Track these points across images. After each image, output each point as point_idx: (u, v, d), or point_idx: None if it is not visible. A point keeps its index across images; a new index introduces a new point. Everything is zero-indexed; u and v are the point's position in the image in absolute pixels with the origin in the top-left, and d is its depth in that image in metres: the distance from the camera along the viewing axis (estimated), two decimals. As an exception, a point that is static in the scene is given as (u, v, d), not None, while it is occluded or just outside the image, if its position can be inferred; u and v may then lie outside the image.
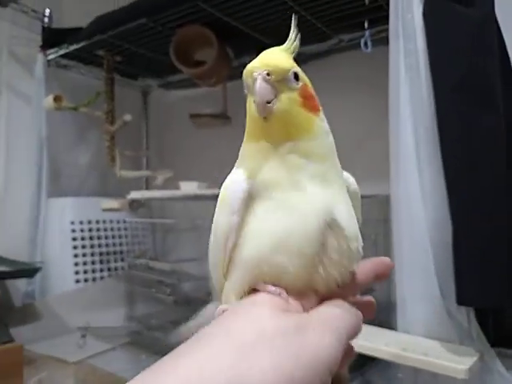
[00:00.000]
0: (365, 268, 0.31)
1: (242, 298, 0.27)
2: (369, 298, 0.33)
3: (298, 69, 0.28)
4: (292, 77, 0.28)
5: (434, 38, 0.74)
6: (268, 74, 0.26)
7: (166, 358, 0.22)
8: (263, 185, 0.27)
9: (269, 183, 0.27)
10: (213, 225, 0.30)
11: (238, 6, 1.18)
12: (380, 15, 1.15)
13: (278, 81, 0.27)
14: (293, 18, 0.30)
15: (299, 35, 0.30)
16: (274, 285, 0.26)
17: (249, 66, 0.28)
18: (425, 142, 0.76)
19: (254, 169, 0.28)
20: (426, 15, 0.77)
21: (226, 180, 0.30)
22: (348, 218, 0.28)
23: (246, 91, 0.29)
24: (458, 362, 0.67)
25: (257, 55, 0.30)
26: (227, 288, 0.29)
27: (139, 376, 0.21)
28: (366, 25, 1.05)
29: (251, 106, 0.27)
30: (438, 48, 0.73)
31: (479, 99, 0.68)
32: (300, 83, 0.28)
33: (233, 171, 0.30)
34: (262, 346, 0.22)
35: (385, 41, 1.11)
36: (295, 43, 0.30)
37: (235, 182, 0.28)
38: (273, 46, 0.32)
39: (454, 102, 0.69)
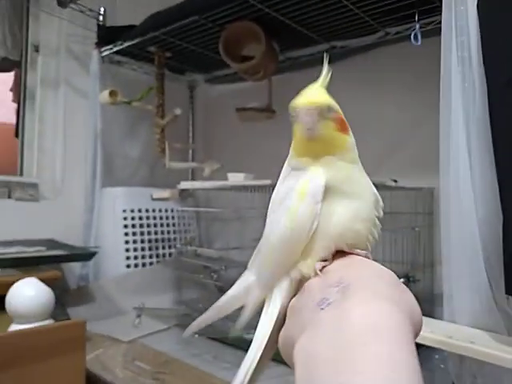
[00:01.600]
0: None
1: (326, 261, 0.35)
2: None
3: (331, 102, 0.35)
4: (327, 109, 0.35)
5: (488, 31, 0.74)
6: (310, 109, 0.34)
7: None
8: (334, 180, 0.35)
9: (336, 179, 0.35)
10: (288, 214, 0.36)
11: (285, 2, 1.21)
12: (428, 7, 1.15)
13: (318, 113, 0.34)
14: (324, 56, 0.36)
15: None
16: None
17: (295, 102, 0.35)
18: (476, 136, 0.76)
19: (326, 170, 0.36)
20: (480, 7, 0.78)
21: (304, 178, 0.36)
22: (378, 194, 0.38)
23: (293, 119, 0.35)
24: (507, 352, 0.67)
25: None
26: (307, 261, 0.35)
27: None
28: (416, 17, 1.04)
29: (297, 131, 0.35)
30: (492, 41, 0.73)
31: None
32: (333, 112, 0.35)
33: (310, 174, 0.36)
34: (396, 288, 0.29)
35: (431, 33, 1.11)
36: (327, 79, 0.37)
37: (316, 178, 0.35)
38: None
39: (508, 96, 0.70)
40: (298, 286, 0.35)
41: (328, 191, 0.35)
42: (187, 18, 1.33)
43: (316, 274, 0.33)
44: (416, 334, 0.27)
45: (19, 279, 0.96)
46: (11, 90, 1.90)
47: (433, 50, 0.86)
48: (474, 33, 0.78)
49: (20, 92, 1.70)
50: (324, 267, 0.34)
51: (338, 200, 0.35)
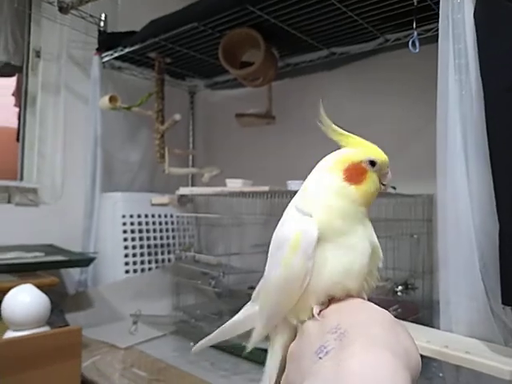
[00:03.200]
0: None
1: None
2: None
3: None
4: None
5: (485, 39, 0.74)
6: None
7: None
8: (328, 230, 0.35)
9: (331, 230, 0.35)
10: (282, 264, 0.36)
11: (285, 9, 1.21)
12: (426, 15, 1.15)
13: None
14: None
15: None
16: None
17: (383, 156, 0.37)
18: (473, 143, 0.76)
19: (325, 219, 0.36)
20: (477, 15, 0.78)
21: (295, 224, 0.36)
22: (378, 245, 0.38)
23: (371, 168, 0.37)
24: (503, 363, 0.66)
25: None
26: (304, 306, 0.36)
27: None
28: (414, 24, 1.04)
29: (373, 182, 0.37)
30: (489, 48, 0.73)
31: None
32: None
33: (302, 217, 0.36)
34: (394, 330, 0.29)
35: (430, 40, 1.11)
36: None
37: (309, 231, 0.35)
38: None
39: (505, 103, 0.69)
40: (297, 327, 0.35)
41: (322, 241, 0.34)
42: (187, 25, 1.34)
43: (313, 317, 0.33)
44: (413, 378, 0.27)
45: (16, 285, 0.96)
46: (13, 94, 1.91)
47: (432, 56, 0.86)
48: (471, 40, 0.78)
49: (21, 97, 1.71)
50: (321, 311, 0.34)
51: (331, 251, 0.35)
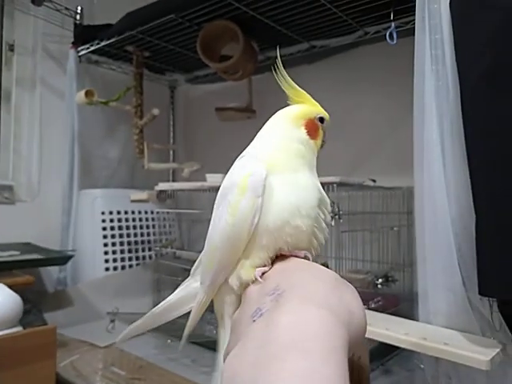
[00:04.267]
0: None
1: (265, 265, 0.33)
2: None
3: None
4: None
5: (460, 29, 0.73)
6: None
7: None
8: (277, 171, 0.35)
9: (280, 170, 0.35)
10: (229, 209, 0.34)
11: (263, 1, 1.20)
12: (405, 7, 1.14)
13: None
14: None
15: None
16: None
17: (327, 115, 0.40)
18: (449, 134, 0.76)
19: (280, 157, 0.36)
20: (452, 5, 0.77)
21: (243, 169, 0.35)
22: (326, 197, 0.38)
23: (322, 126, 0.40)
24: (480, 353, 0.66)
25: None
26: (247, 263, 0.34)
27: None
28: (391, 16, 1.04)
29: (322, 137, 0.39)
30: (463, 37, 0.73)
31: (507, 89, 0.68)
32: None
33: (251, 161, 0.36)
34: (338, 288, 0.29)
35: (409, 33, 1.10)
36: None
37: (256, 174, 0.34)
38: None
39: (480, 93, 0.69)
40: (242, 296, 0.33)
41: (270, 184, 0.34)
42: (163, 17, 1.31)
43: (255, 281, 0.32)
44: (355, 337, 0.25)
45: (-11, 285, 0.94)
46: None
47: (411, 49, 0.86)
48: (448, 31, 0.78)
49: (-5, 92, 1.66)
50: (264, 273, 0.32)
51: (279, 187, 0.34)
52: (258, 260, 0.33)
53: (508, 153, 0.67)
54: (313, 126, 0.38)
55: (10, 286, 0.99)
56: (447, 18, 0.78)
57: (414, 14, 0.85)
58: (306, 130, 0.37)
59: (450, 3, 0.77)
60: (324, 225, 0.36)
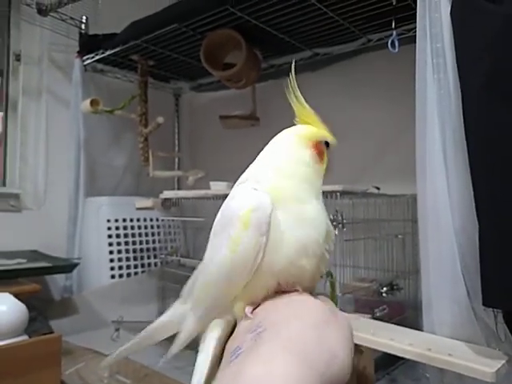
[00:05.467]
0: None
1: (259, 302, 0.32)
2: None
3: None
4: None
5: (460, 36, 0.73)
6: None
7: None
8: (284, 201, 0.32)
9: (288, 199, 0.33)
10: (228, 242, 0.32)
11: (266, 9, 1.20)
12: (408, 14, 1.15)
13: None
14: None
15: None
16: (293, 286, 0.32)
17: (335, 142, 0.37)
18: (452, 142, 0.75)
19: (285, 186, 0.33)
20: (453, 13, 0.77)
21: (245, 200, 0.32)
22: (332, 228, 0.35)
23: (327, 150, 0.37)
24: (485, 365, 0.66)
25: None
26: (242, 300, 0.32)
27: None
28: (393, 24, 1.04)
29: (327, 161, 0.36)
30: (464, 46, 0.73)
31: (508, 98, 0.67)
32: None
33: (253, 191, 0.33)
34: (325, 328, 0.27)
35: (412, 40, 1.10)
36: None
37: (261, 209, 0.31)
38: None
39: (481, 101, 0.69)
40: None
41: (276, 218, 0.31)
42: (167, 26, 1.32)
43: (245, 317, 0.30)
44: (335, 381, 0.24)
45: (-4, 293, 0.94)
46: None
47: (414, 56, 0.86)
48: (449, 40, 0.78)
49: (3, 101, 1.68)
50: (255, 309, 0.31)
51: (285, 229, 0.31)
52: (255, 299, 0.31)
53: (509, 160, 0.66)
54: (320, 149, 0.36)
55: (17, 295, 1.00)
56: (448, 27, 0.78)
57: (416, 22, 0.85)
58: (314, 153, 0.35)
59: (451, 11, 0.77)
60: (328, 256, 0.34)
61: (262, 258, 0.31)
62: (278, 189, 0.32)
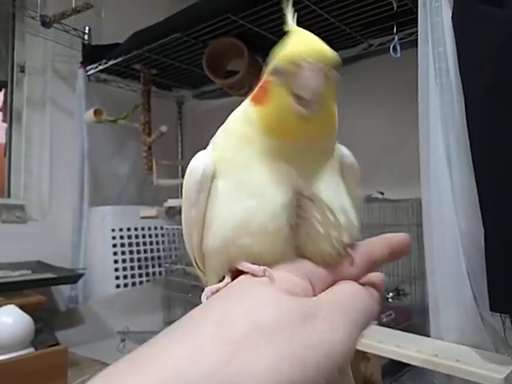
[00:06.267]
0: (376, 244, 0.28)
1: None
2: (377, 274, 0.28)
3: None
4: (335, 69, 0.24)
5: (462, 43, 0.73)
6: (320, 66, 0.23)
7: (139, 351, 0.19)
8: (227, 166, 0.26)
9: (231, 164, 0.26)
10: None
11: (266, 17, 1.21)
12: (409, 18, 1.14)
13: (326, 74, 0.23)
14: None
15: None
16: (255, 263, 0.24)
17: (296, 51, 0.23)
18: (455, 147, 0.75)
19: (223, 153, 0.27)
20: (454, 18, 0.77)
21: (191, 162, 0.28)
22: (332, 192, 0.26)
23: (279, 77, 0.24)
24: (494, 371, 0.65)
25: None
26: (208, 272, 0.28)
27: (103, 373, 0.18)
28: (394, 29, 1.04)
29: (281, 99, 0.23)
30: (466, 54, 0.73)
31: (509, 107, 0.67)
32: (334, 76, 0.25)
33: (199, 154, 0.28)
34: (258, 342, 0.19)
35: (414, 44, 1.10)
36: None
37: (193, 173, 0.27)
38: None
39: (485, 107, 0.68)
40: None
41: (217, 186, 0.26)
42: (169, 36, 1.33)
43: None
44: None
45: (1, 305, 0.94)
46: (0, 109, 1.90)
47: (416, 60, 0.85)
48: (451, 44, 0.77)
49: (7, 112, 1.69)
50: (214, 293, 0.25)
51: (222, 201, 0.26)
52: (214, 277, 0.27)
53: (510, 161, 0.66)
54: (262, 86, 0.26)
55: (22, 307, 1.00)
56: (450, 31, 0.78)
57: (417, 26, 0.85)
58: (256, 93, 0.26)
59: (452, 16, 0.77)
60: (323, 229, 0.25)
61: (198, 234, 0.27)
62: (223, 150, 0.27)
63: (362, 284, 0.25)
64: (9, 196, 1.63)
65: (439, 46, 0.80)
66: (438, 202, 0.76)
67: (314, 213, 0.25)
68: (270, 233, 0.24)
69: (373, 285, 0.27)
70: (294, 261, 0.25)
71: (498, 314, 0.70)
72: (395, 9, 1.04)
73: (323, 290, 0.24)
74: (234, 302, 0.21)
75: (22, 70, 1.67)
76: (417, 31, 1.14)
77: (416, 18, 1.13)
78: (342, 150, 0.29)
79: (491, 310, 0.65)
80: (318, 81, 0.23)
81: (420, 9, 0.83)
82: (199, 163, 0.27)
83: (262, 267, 0.23)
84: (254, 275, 0.23)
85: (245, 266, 0.24)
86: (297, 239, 0.25)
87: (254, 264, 0.24)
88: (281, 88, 0.24)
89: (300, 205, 0.25)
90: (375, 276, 0.28)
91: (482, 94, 0.67)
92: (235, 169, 0.26)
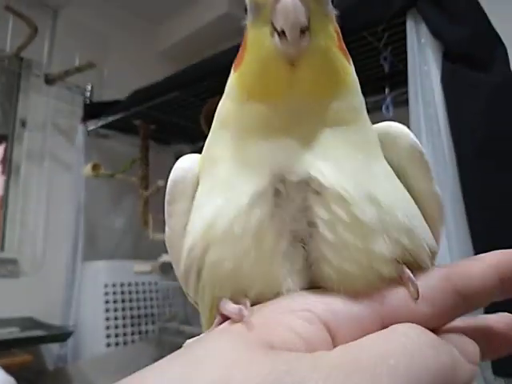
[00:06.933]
0: (471, 266, 0.17)
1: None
2: (501, 316, 0.19)
3: None
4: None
5: (453, 106, 0.75)
6: None
7: None
8: (208, 164, 0.21)
9: (209, 158, 0.21)
10: None
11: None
12: (402, 78, 1.18)
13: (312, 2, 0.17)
14: None
15: None
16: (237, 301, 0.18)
17: None
18: (450, 207, 0.75)
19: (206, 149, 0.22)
20: (443, 81, 0.80)
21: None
22: (350, 174, 0.18)
23: (250, 17, 0.19)
24: None
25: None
26: (200, 310, 0.22)
27: None
28: (386, 91, 1.07)
29: (259, 43, 0.18)
30: (457, 113, 0.75)
31: (502, 163, 0.68)
32: (332, 10, 0.19)
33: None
34: None
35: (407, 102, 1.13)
36: None
37: (173, 172, 0.23)
38: None
39: (478, 166, 0.69)
40: None
41: (199, 191, 0.21)
42: (168, 94, 1.37)
43: None
44: None
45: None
46: (1, 162, 1.91)
47: (408, 119, 0.87)
48: (441, 105, 0.80)
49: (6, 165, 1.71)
50: None
51: (197, 206, 0.21)
52: (204, 318, 0.21)
53: (504, 220, 0.66)
54: (241, 45, 0.20)
55: (7, 367, 0.96)
56: (440, 93, 0.81)
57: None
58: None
59: (442, 79, 0.80)
60: (334, 234, 0.17)
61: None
62: (205, 148, 0.22)
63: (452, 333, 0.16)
64: (2, 249, 1.61)
65: (430, 107, 0.82)
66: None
67: (315, 209, 0.17)
68: (240, 238, 0.17)
69: (476, 336, 0.17)
70: (306, 293, 0.17)
71: (502, 378, 0.67)
72: (386, 71, 1.08)
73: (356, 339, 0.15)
74: (182, 371, 0.15)
75: (23, 124, 1.70)
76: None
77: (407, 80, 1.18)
78: (393, 126, 0.21)
79: (494, 373, 0.62)
80: (298, 7, 0.17)
81: (410, 72, 0.86)
82: (179, 167, 0.23)
83: (240, 306, 0.17)
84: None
85: (222, 305, 0.18)
86: (310, 258, 0.17)
87: (241, 300, 0.17)
88: (257, 29, 0.18)
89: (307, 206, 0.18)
90: (484, 321, 0.18)
91: (474, 153, 0.68)
92: (211, 163, 0.21)
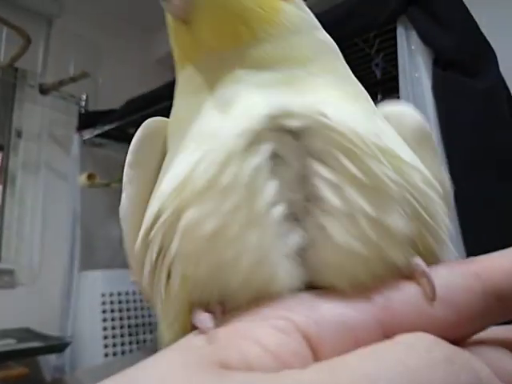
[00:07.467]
0: (499, 261, 0.14)
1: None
2: None
3: None
4: None
5: (443, 111, 0.75)
6: None
7: None
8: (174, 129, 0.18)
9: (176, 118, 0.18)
10: None
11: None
12: (394, 84, 1.19)
13: None
14: None
15: None
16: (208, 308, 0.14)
17: None
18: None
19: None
20: (434, 88, 0.80)
21: None
22: (354, 122, 0.14)
23: None
24: None
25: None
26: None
27: None
28: (379, 97, 1.07)
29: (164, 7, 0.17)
30: (448, 120, 0.75)
31: (495, 172, 0.68)
32: None
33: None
34: None
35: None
36: None
37: (139, 130, 0.20)
38: None
39: (468, 174, 0.69)
40: None
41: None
42: (164, 103, 1.37)
43: None
44: None
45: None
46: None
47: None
48: (433, 112, 0.80)
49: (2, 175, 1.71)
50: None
51: (167, 167, 0.17)
52: (172, 319, 0.16)
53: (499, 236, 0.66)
54: None
55: (4, 380, 0.95)
56: (431, 99, 0.81)
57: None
58: None
59: (433, 87, 0.80)
60: (342, 201, 0.13)
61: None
62: (172, 114, 0.20)
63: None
64: (-1, 260, 1.61)
65: (421, 113, 0.82)
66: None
67: (317, 169, 0.13)
68: (229, 189, 0.13)
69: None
70: (287, 296, 0.13)
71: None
72: (379, 77, 1.08)
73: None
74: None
75: (19, 134, 1.70)
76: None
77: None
78: (399, 105, 0.19)
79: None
80: None
81: (401, 78, 0.86)
82: (143, 125, 0.20)
83: (209, 315, 0.13)
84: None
85: (193, 313, 0.14)
86: (305, 241, 0.14)
87: (214, 305, 0.14)
88: None
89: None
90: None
91: (465, 158, 0.68)
92: (180, 123, 0.18)
